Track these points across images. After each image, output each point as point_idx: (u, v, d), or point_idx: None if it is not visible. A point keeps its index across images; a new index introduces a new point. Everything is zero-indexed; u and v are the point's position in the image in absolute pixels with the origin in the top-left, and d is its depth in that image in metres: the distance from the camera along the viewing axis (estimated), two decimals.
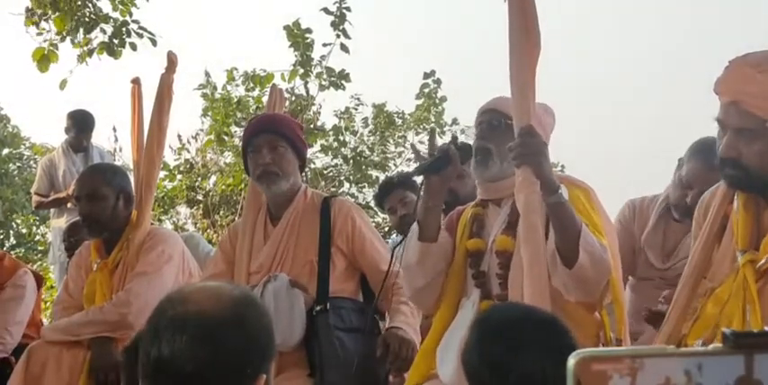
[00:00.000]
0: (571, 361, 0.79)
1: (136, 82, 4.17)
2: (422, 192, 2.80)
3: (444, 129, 10.24)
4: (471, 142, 2.95)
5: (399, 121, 10.50)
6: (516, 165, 2.58)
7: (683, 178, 3.42)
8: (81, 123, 6.41)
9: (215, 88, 9.83)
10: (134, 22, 6.87)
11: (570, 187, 2.73)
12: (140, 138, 4.08)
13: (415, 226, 2.86)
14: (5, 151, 13.05)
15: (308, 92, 9.28)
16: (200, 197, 9.79)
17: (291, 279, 3.29)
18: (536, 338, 1.83)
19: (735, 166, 2.29)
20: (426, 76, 10.33)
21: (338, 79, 9.16)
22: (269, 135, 3.42)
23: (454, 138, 2.91)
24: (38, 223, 12.19)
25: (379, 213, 9.56)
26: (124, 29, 6.81)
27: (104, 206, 3.76)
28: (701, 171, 3.36)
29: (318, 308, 3.27)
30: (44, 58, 6.63)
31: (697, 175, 3.38)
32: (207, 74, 9.86)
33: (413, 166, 9.99)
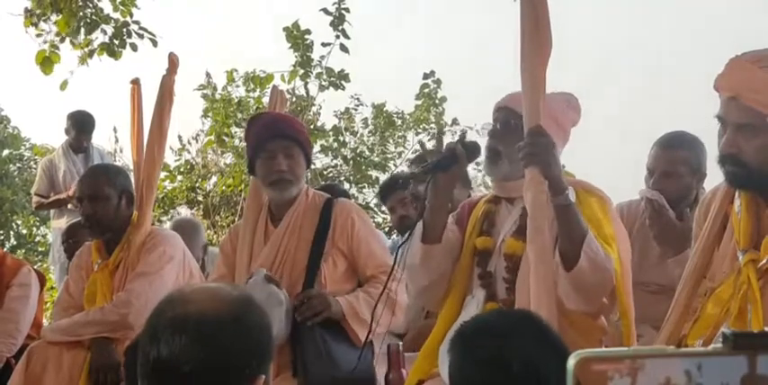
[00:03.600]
0: (571, 361, 0.79)
1: (135, 82, 4.17)
2: (428, 192, 2.77)
3: (444, 129, 10.24)
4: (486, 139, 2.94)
5: (399, 122, 10.49)
6: (524, 164, 2.57)
7: (648, 168, 3.47)
8: (81, 124, 6.42)
9: (215, 89, 9.84)
10: (134, 22, 6.87)
11: (585, 194, 2.70)
12: (140, 139, 4.08)
13: (419, 225, 2.83)
14: (5, 152, 13.02)
15: (307, 92, 9.30)
16: (200, 198, 9.79)
17: (267, 274, 3.29)
18: (518, 328, 1.84)
19: (735, 163, 2.28)
20: (426, 76, 10.32)
21: (338, 79, 9.17)
22: (284, 141, 3.42)
23: (462, 136, 2.88)
24: (38, 224, 12.18)
25: (379, 213, 9.56)
26: (125, 29, 6.81)
27: (107, 206, 3.76)
28: (659, 152, 3.43)
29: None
30: (47, 61, 6.63)
31: (655, 158, 3.44)
32: (207, 74, 9.87)
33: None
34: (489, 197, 2.96)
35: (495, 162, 2.82)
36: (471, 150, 2.79)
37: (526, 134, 2.55)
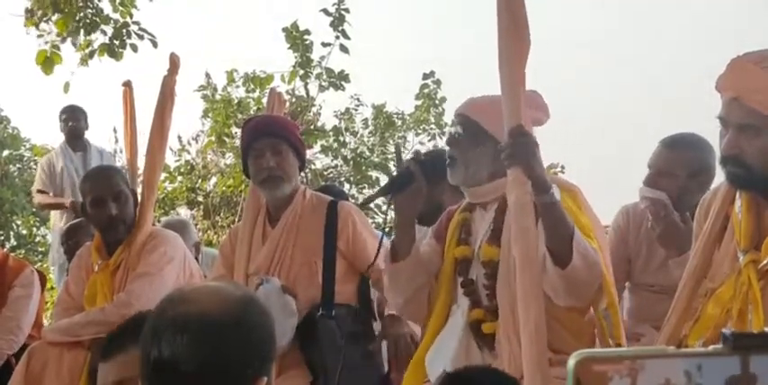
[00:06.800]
0: (571, 361, 0.79)
1: (127, 85, 4.18)
2: (392, 212, 2.81)
3: (444, 130, 10.24)
4: None
5: (399, 122, 10.49)
6: (507, 165, 2.55)
7: (648, 166, 3.46)
8: (72, 110, 6.46)
9: (215, 89, 9.84)
10: (134, 23, 6.87)
11: (557, 190, 2.71)
12: (134, 140, 4.09)
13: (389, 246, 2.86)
14: (5, 152, 13.02)
15: (307, 93, 9.30)
16: (200, 198, 9.79)
17: (284, 284, 3.29)
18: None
19: (737, 164, 2.28)
20: (425, 76, 10.32)
21: (338, 80, 9.17)
22: (271, 139, 3.43)
23: (416, 153, 2.93)
24: (38, 224, 12.18)
25: (379, 213, 9.56)
26: (124, 30, 6.81)
27: (129, 206, 3.77)
28: (660, 150, 3.39)
29: (321, 312, 3.28)
30: (48, 61, 6.63)
31: (656, 156, 3.40)
32: (207, 75, 9.87)
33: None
34: (465, 205, 2.96)
35: (452, 168, 2.85)
36: (429, 167, 2.80)
37: (507, 134, 2.53)
